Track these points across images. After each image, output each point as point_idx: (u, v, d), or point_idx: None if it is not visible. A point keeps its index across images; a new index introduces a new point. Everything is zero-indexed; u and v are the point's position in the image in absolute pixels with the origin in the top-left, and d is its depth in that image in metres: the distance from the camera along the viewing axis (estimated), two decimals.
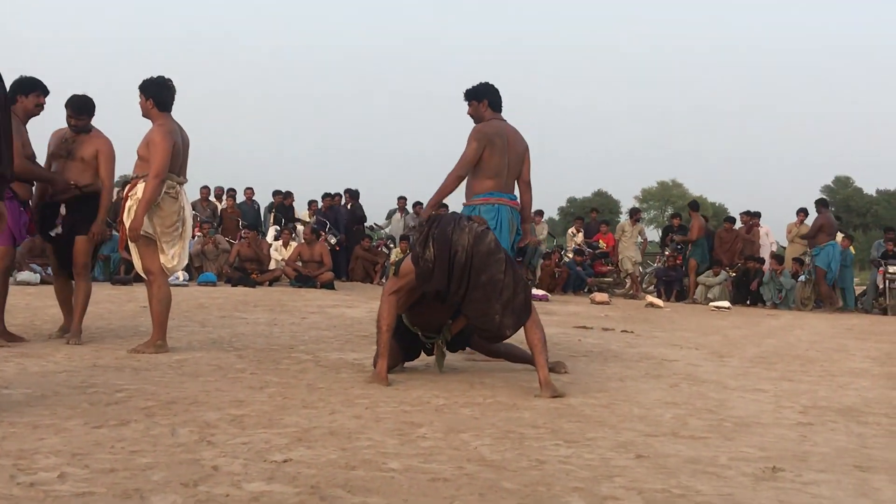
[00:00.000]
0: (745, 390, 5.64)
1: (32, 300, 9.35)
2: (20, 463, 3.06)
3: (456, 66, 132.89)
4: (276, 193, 18.82)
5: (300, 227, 16.99)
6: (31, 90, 6.41)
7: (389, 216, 20.00)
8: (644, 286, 18.54)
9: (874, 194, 72.72)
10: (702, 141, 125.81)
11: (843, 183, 74.95)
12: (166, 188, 6.20)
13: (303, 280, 14.42)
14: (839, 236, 17.59)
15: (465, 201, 6.46)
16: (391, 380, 5.26)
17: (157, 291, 6.23)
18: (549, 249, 19.04)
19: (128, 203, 6.25)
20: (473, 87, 6.57)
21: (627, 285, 18.12)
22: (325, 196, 18.49)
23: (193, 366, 5.61)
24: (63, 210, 6.53)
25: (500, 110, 6.58)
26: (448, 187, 6.36)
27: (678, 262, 17.50)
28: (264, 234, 17.12)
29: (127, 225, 6.21)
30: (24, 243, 12.30)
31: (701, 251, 17.16)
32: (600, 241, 19.47)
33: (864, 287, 17.53)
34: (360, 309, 10.53)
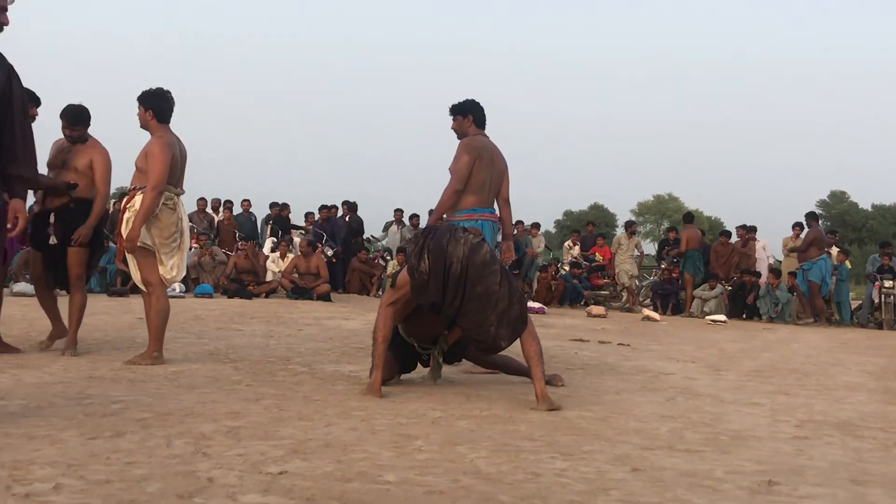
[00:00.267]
0: (742, 404, 5.64)
1: (28, 311, 9.33)
2: (15, 474, 3.05)
3: (455, 78, 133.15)
4: (272, 205, 18.83)
5: (297, 240, 16.98)
6: None
7: (386, 228, 20.00)
8: (640, 299, 18.54)
9: (869, 209, 72.85)
10: (697, 155, 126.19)
11: (838, 197, 75.12)
12: (164, 200, 6.21)
13: (299, 292, 14.41)
14: (834, 251, 17.62)
15: (448, 215, 6.53)
16: (387, 392, 5.26)
17: (156, 303, 6.23)
18: (546, 262, 19.05)
19: (126, 215, 6.24)
20: (459, 102, 6.70)
21: (624, 298, 18.13)
22: (322, 208, 18.49)
23: (189, 377, 5.60)
24: (52, 219, 6.49)
25: (484, 127, 6.69)
26: (447, 202, 6.43)
27: (674, 275, 17.51)
28: (261, 246, 17.12)
29: (125, 236, 6.21)
30: (21, 254, 12.33)
31: (692, 263, 17.15)
32: (597, 253, 19.50)
33: (860, 301, 17.55)
34: (356, 321, 10.52)
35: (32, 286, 11.72)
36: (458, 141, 6.64)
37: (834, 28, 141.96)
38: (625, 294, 18.21)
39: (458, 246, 5.05)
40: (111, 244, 11.66)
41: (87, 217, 6.54)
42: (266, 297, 14.42)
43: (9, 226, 4.10)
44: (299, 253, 15.42)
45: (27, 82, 6.36)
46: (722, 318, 15.24)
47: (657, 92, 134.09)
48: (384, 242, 19.46)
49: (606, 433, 4.39)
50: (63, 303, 6.77)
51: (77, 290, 6.60)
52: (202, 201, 18.36)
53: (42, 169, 6.63)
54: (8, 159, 4.06)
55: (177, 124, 6.43)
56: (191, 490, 2.96)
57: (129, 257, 6.29)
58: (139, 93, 6.36)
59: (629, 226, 19.88)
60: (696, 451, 4.05)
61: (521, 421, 4.60)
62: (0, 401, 4.47)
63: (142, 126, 6.37)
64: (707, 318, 15.40)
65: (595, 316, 14.58)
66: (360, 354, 7.17)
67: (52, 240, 6.49)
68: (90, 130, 6.75)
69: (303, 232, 17.67)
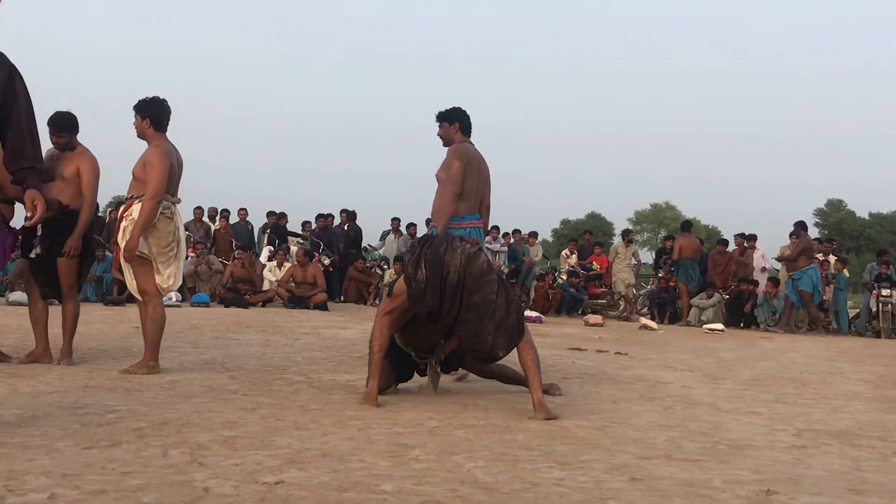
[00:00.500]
0: (739, 413, 5.63)
1: (24, 320, 9.28)
2: (10, 484, 3.04)
3: (452, 86, 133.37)
4: (269, 214, 18.82)
5: (294, 248, 16.97)
6: None
7: (383, 237, 20.00)
8: (638, 308, 18.54)
9: (867, 217, 72.98)
10: (695, 164, 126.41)
11: (835, 206, 75.26)
12: (162, 209, 6.20)
13: (296, 301, 14.40)
14: (832, 259, 17.63)
15: (432, 222, 6.58)
16: (384, 401, 5.25)
17: (153, 312, 6.21)
18: (543, 271, 19.06)
19: (123, 224, 6.23)
20: (446, 109, 6.74)
21: (621, 307, 18.13)
22: (319, 217, 18.49)
23: (185, 387, 5.59)
24: (39, 231, 6.41)
25: (470, 134, 6.73)
26: (449, 208, 6.42)
27: (671, 283, 17.50)
28: (258, 255, 17.10)
29: (122, 246, 6.19)
30: (17, 263, 12.31)
31: (684, 272, 17.13)
32: (594, 262, 19.50)
33: (858, 310, 17.55)
34: (353, 330, 10.51)
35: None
36: (446, 148, 6.68)
37: (832, 38, 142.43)
38: (622, 303, 18.21)
39: (455, 255, 5.05)
40: (108, 253, 11.66)
41: (74, 227, 6.46)
42: (263, 306, 14.40)
43: (28, 214, 4.09)
44: (296, 262, 15.41)
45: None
46: (719, 326, 15.23)
47: (654, 101, 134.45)
48: (381, 251, 19.45)
49: (604, 442, 4.38)
50: (56, 313, 6.72)
51: (69, 300, 6.56)
52: (199, 210, 18.35)
53: None
54: (17, 158, 4.07)
55: (173, 133, 6.43)
56: (187, 500, 2.94)
57: (125, 266, 6.27)
58: (135, 102, 6.35)
59: (626, 234, 19.89)
60: (694, 461, 4.04)
61: (519, 430, 4.58)
62: None
63: (139, 135, 6.36)
64: (705, 326, 15.40)
65: (592, 325, 14.58)
66: (357, 363, 7.16)
67: (36, 251, 6.41)
68: (82, 138, 6.67)
69: (300, 240, 17.66)
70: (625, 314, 17.70)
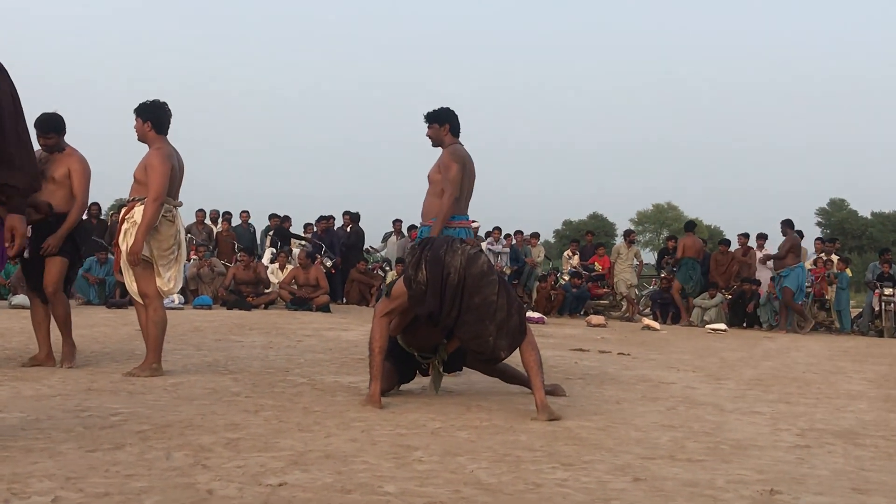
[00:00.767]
0: (743, 413, 5.63)
1: (27, 324, 9.29)
2: (14, 487, 3.04)
3: (456, 88, 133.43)
4: (272, 217, 18.82)
5: (296, 251, 16.97)
6: None
7: (385, 239, 20.00)
8: (640, 308, 18.53)
9: (869, 216, 72.87)
10: (697, 164, 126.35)
11: (837, 205, 75.16)
12: (163, 212, 6.20)
13: (298, 303, 14.40)
14: (834, 258, 17.61)
15: (423, 222, 6.72)
16: (387, 403, 5.25)
17: (153, 314, 6.22)
18: (545, 272, 19.05)
19: (124, 226, 6.23)
20: (436, 110, 6.82)
21: (623, 308, 18.12)
22: (321, 219, 18.49)
23: (188, 389, 5.59)
24: (29, 232, 6.38)
25: (459, 135, 6.80)
26: (449, 210, 6.54)
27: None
28: (260, 257, 17.11)
29: (124, 248, 6.19)
30: (19, 267, 12.31)
31: (685, 271, 17.13)
32: (596, 263, 19.49)
33: (860, 309, 17.54)
34: (356, 332, 10.51)
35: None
36: (436, 148, 6.79)
37: (833, 38, 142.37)
38: (624, 303, 18.20)
39: (455, 256, 5.05)
40: (110, 255, 11.66)
41: (71, 229, 6.43)
42: (265, 308, 14.41)
43: (6, 245, 3.71)
44: (298, 264, 15.41)
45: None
46: (722, 326, 15.22)
47: (656, 101, 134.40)
48: (383, 253, 19.46)
49: (607, 443, 4.38)
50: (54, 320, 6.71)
51: (56, 301, 6.48)
52: (201, 213, 18.37)
53: None
54: (2, 165, 3.63)
55: (174, 135, 6.44)
56: (190, 502, 2.95)
57: (125, 269, 6.27)
58: (136, 105, 6.36)
59: (628, 235, 19.89)
60: (697, 461, 4.04)
61: (522, 431, 4.58)
62: None
63: (139, 138, 6.37)
64: (707, 326, 15.39)
65: (595, 325, 14.57)
66: (359, 365, 7.16)
67: (25, 253, 6.38)
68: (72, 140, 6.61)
69: (303, 243, 17.67)
70: (627, 315, 17.69)
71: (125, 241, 6.20)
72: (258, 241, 18.78)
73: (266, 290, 14.99)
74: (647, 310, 18.55)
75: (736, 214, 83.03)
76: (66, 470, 3.31)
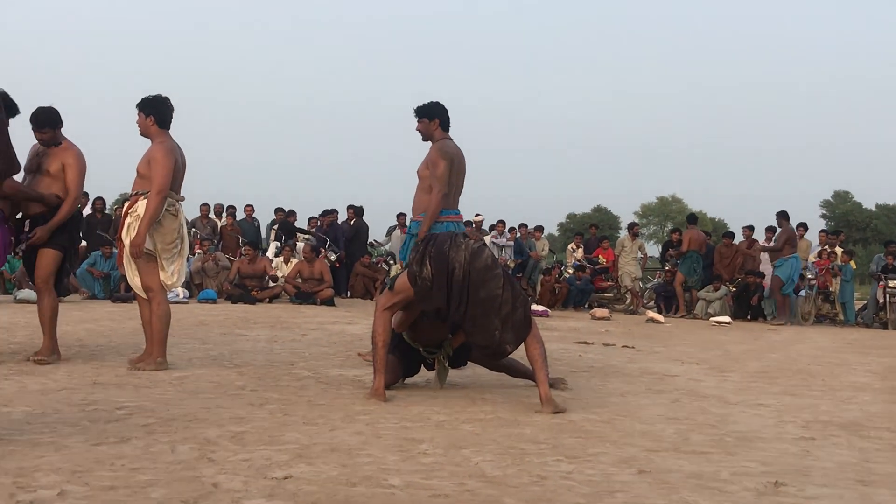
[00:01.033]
0: (747, 405, 5.63)
1: (32, 318, 9.31)
2: (20, 480, 3.05)
3: (459, 79, 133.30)
4: (277, 210, 18.81)
5: (300, 244, 16.97)
6: None
7: (389, 233, 19.99)
8: (644, 301, 18.52)
9: (873, 209, 72.79)
10: (701, 157, 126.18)
11: (842, 198, 75.07)
12: (167, 205, 6.21)
13: (303, 297, 14.41)
14: (839, 251, 17.59)
15: (413, 217, 6.75)
16: (391, 396, 5.25)
17: (157, 308, 6.22)
18: (549, 265, 19.04)
19: (127, 220, 6.24)
20: (425, 105, 6.83)
21: (628, 300, 18.11)
22: (325, 213, 18.48)
23: (194, 383, 5.60)
24: (27, 226, 6.38)
25: (449, 129, 6.82)
26: (438, 207, 6.57)
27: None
28: (265, 251, 17.11)
29: (127, 242, 6.20)
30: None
31: (689, 264, 17.11)
32: (600, 256, 19.47)
33: (865, 301, 17.52)
34: (360, 325, 10.52)
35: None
36: (427, 143, 6.80)
37: (838, 34, 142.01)
38: (628, 296, 18.19)
39: (459, 251, 5.06)
40: (114, 250, 11.67)
41: (62, 222, 6.37)
42: (269, 302, 14.42)
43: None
44: (303, 258, 15.42)
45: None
46: (726, 319, 15.20)
47: (660, 93, 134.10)
48: (387, 247, 19.45)
49: (612, 435, 4.38)
50: (64, 310, 6.70)
51: (45, 293, 6.41)
52: (205, 207, 18.35)
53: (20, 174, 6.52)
54: None
55: (175, 130, 6.44)
56: (196, 496, 2.95)
57: (127, 263, 6.28)
58: (138, 100, 6.37)
59: (631, 227, 19.87)
60: (701, 453, 4.04)
61: (526, 424, 4.59)
62: (4, 408, 4.47)
63: (142, 133, 6.37)
64: (711, 319, 15.37)
65: (599, 318, 14.57)
66: (366, 352, 7.16)
67: (22, 246, 6.37)
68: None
69: (308, 237, 17.66)
70: (631, 307, 17.68)
71: (128, 234, 6.21)
72: (263, 235, 18.76)
73: (271, 284, 15.00)
74: (651, 302, 18.54)
75: (740, 207, 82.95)
76: (71, 463, 3.32)
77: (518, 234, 19.07)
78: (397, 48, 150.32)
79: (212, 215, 18.40)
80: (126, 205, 6.36)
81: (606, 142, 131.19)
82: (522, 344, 5.18)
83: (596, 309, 15.91)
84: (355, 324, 10.81)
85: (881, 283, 16.03)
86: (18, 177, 6.37)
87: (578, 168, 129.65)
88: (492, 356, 5.52)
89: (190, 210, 17.67)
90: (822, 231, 18.98)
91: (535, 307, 14.51)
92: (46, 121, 6.41)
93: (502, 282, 5.08)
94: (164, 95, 6.40)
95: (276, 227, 18.38)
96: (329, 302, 14.30)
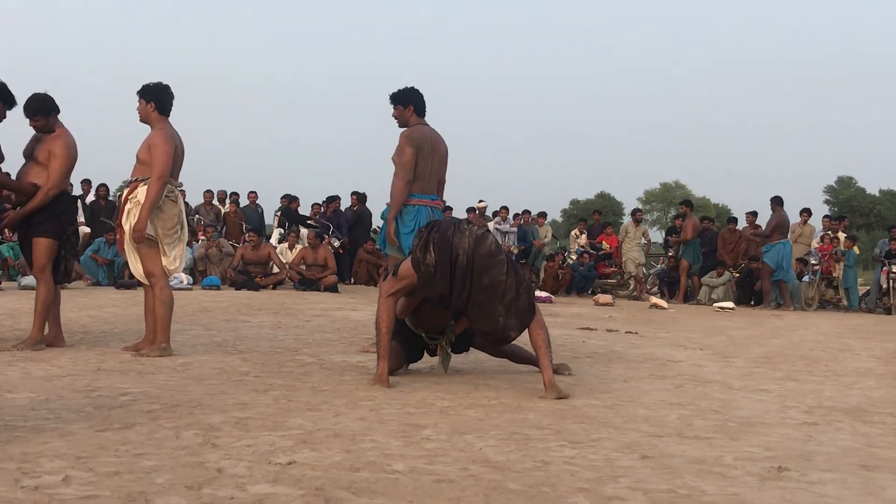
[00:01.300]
0: (750, 390, 5.63)
1: None
2: (24, 466, 3.06)
3: (461, 68, 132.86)
4: (283, 198, 18.78)
5: (304, 231, 16.97)
6: None
7: None
8: (648, 287, 18.52)
9: (877, 194, 72.65)
10: (704, 142, 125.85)
11: (845, 183, 74.92)
12: (167, 192, 6.21)
13: (306, 283, 14.42)
14: (842, 236, 17.56)
15: (388, 201, 6.77)
16: (395, 382, 5.26)
17: (160, 293, 6.23)
18: (553, 251, 19.03)
19: (127, 206, 6.24)
20: (400, 91, 6.85)
21: (631, 287, 18.11)
22: (329, 199, 18.46)
23: (198, 369, 5.61)
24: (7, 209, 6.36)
25: (424, 115, 6.83)
26: (401, 194, 6.61)
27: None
28: (269, 238, 17.11)
29: (127, 228, 6.21)
30: None
31: (692, 251, 17.10)
32: (604, 242, 19.46)
33: (868, 287, 17.51)
34: (363, 311, 10.53)
35: None
36: (400, 130, 6.78)
37: (842, 16, 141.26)
38: (632, 282, 18.19)
39: (463, 238, 5.05)
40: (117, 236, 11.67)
41: (51, 210, 6.32)
42: (273, 288, 14.43)
43: None
44: (307, 244, 15.42)
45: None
46: (730, 305, 15.21)
47: (663, 79, 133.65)
48: None
49: (615, 421, 4.38)
50: (67, 297, 6.70)
51: (40, 283, 6.39)
52: (209, 193, 18.35)
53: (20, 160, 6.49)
54: None
55: (175, 117, 6.44)
56: (200, 481, 2.96)
57: (129, 249, 6.29)
58: (139, 87, 6.37)
59: (634, 213, 19.84)
60: (705, 438, 4.04)
61: (530, 409, 4.59)
62: (8, 394, 4.48)
63: (142, 119, 6.37)
64: (715, 305, 15.38)
65: (602, 304, 14.57)
66: (367, 345, 7.16)
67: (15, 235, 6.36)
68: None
69: (310, 222, 17.66)
70: (635, 293, 17.68)
71: (128, 220, 6.22)
72: (275, 222, 18.73)
73: (275, 271, 15.01)
74: (655, 288, 18.54)
75: (744, 193, 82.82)
76: (76, 449, 3.33)
77: (521, 221, 19.05)
78: (403, 30, 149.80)
79: (215, 202, 18.41)
80: (126, 191, 6.36)
81: (610, 128, 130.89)
82: (526, 330, 5.18)
83: (599, 295, 15.91)
84: (359, 310, 10.82)
85: (885, 268, 16.02)
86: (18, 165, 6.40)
87: (582, 154, 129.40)
88: (495, 342, 5.52)
89: (194, 197, 17.69)
90: (825, 216, 18.93)
91: (538, 293, 14.52)
92: (37, 108, 6.35)
93: (506, 268, 5.07)
94: (164, 83, 6.40)
95: (278, 213, 18.38)
96: (333, 288, 14.31)
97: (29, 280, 11.88)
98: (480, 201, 19.02)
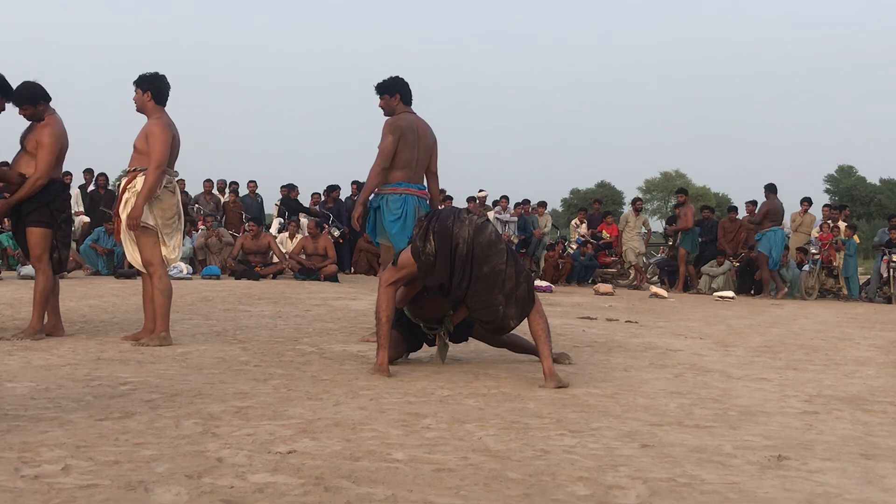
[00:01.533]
0: (750, 379, 5.63)
1: None
2: (24, 455, 3.06)
3: (465, 59, 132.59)
4: (283, 188, 18.75)
5: (304, 220, 16.96)
6: None
7: None
8: (648, 276, 18.52)
9: (878, 183, 72.63)
10: (705, 131, 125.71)
11: (846, 172, 74.93)
12: (165, 182, 6.20)
13: (307, 273, 14.42)
14: (842, 225, 17.54)
15: (376, 191, 6.69)
16: (395, 371, 5.26)
17: (159, 283, 6.23)
18: (553, 241, 19.03)
19: (125, 196, 6.24)
20: (385, 81, 6.83)
21: (631, 276, 18.11)
22: (329, 189, 18.44)
23: (197, 358, 5.61)
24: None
25: (411, 104, 6.81)
26: (374, 180, 6.58)
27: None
28: (268, 228, 17.10)
29: (124, 217, 6.20)
30: None
31: (691, 239, 17.10)
32: (604, 231, 19.46)
33: (868, 276, 17.50)
34: (363, 301, 10.53)
35: None
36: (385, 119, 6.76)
37: (844, 5, 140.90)
38: (632, 272, 18.19)
39: (462, 227, 5.05)
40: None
41: (41, 199, 6.30)
42: (273, 278, 14.43)
43: None
44: (307, 233, 15.41)
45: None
46: (730, 294, 15.21)
47: (663, 68, 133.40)
48: None
49: (615, 410, 4.38)
50: (65, 286, 6.70)
51: (38, 272, 6.38)
52: (208, 183, 18.33)
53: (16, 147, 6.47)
54: None
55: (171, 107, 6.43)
56: (200, 470, 2.96)
57: (126, 239, 6.29)
58: (136, 77, 6.36)
59: (635, 202, 19.83)
60: (704, 427, 4.04)
61: (530, 398, 4.59)
62: (8, 383, 4.48)
63: (138, 109, 6.37)
64: (715, 294, 15.38)
65: (602, 294, 14.57)
66: (367, 335, 7.17)
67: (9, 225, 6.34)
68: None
69: (310, 216, 17.64)
70: (635, 283, 17.68)
71: (125, 209, 6.21)
72: (268, 212, 18.72)
73: (275, 260, 15.00)
74: (655, 278, 18.55)
75: (744, 182, 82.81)
76: (75, 439, 3.33)
77: (522, 210, 19.04)
78: (404, 19, 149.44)
79: (215, 191, 18.39)
80: (124, 181, 6.35)
81: (610, 117, 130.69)
82: (525, 319, 5.18)
83: (599, 284, 15.92)
84: (359, 300, 10.82)
85: (885, 257, 16.01)
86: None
87: (582, 143, 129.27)
88: (495, 331, 5.51)
89: (193, 186, 17.68)
90: (825, 205, 18.92)
91: (538, 282, 14.54)
92: (25, 97, 6.30)
93: (506, 257, 5.07)
94: (161, 73, 6.39)
95: (277, 203, 18.36)
96: (333, 278, 14.30)
97: (28, 270, 11.86)
98: (481, 191, 19.00)
